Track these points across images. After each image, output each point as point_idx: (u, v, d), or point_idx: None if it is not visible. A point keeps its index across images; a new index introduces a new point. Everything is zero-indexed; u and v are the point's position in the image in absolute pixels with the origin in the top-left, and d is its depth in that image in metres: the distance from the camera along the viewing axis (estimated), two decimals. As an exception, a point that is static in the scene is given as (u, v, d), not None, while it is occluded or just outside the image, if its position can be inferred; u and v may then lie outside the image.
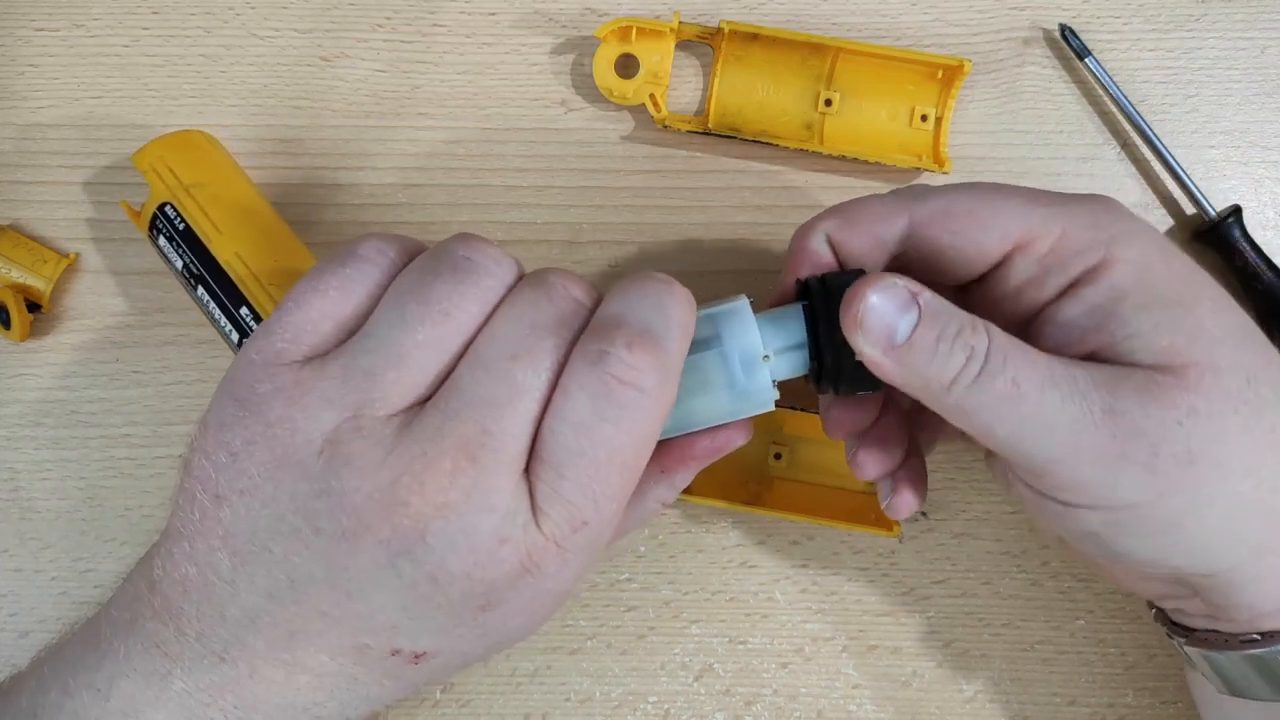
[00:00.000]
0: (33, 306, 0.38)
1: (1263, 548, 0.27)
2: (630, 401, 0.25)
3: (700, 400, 0.28)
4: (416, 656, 0.27)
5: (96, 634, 0.28)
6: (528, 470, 0.26)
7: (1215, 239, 0.38)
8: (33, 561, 0.38)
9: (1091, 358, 0.27)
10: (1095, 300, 0.27)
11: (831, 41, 0.37)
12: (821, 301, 0.28)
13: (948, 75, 0.38)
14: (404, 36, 0.39)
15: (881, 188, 0.39)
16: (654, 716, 0.38)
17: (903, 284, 0.27)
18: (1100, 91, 0.39)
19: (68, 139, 0.39)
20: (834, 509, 0.37)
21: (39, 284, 0.38)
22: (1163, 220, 0.39)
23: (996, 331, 0.27)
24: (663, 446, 0.30)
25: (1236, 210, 0.38)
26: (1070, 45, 0.38)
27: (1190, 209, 0.39)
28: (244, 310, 0.34)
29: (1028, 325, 0.29)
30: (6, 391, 0.38)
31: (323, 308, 0.26)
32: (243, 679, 0.26)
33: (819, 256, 0.30)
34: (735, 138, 0.38)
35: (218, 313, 0.34)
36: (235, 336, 0.34)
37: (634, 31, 0.38)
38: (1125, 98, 0.38)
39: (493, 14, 0.40)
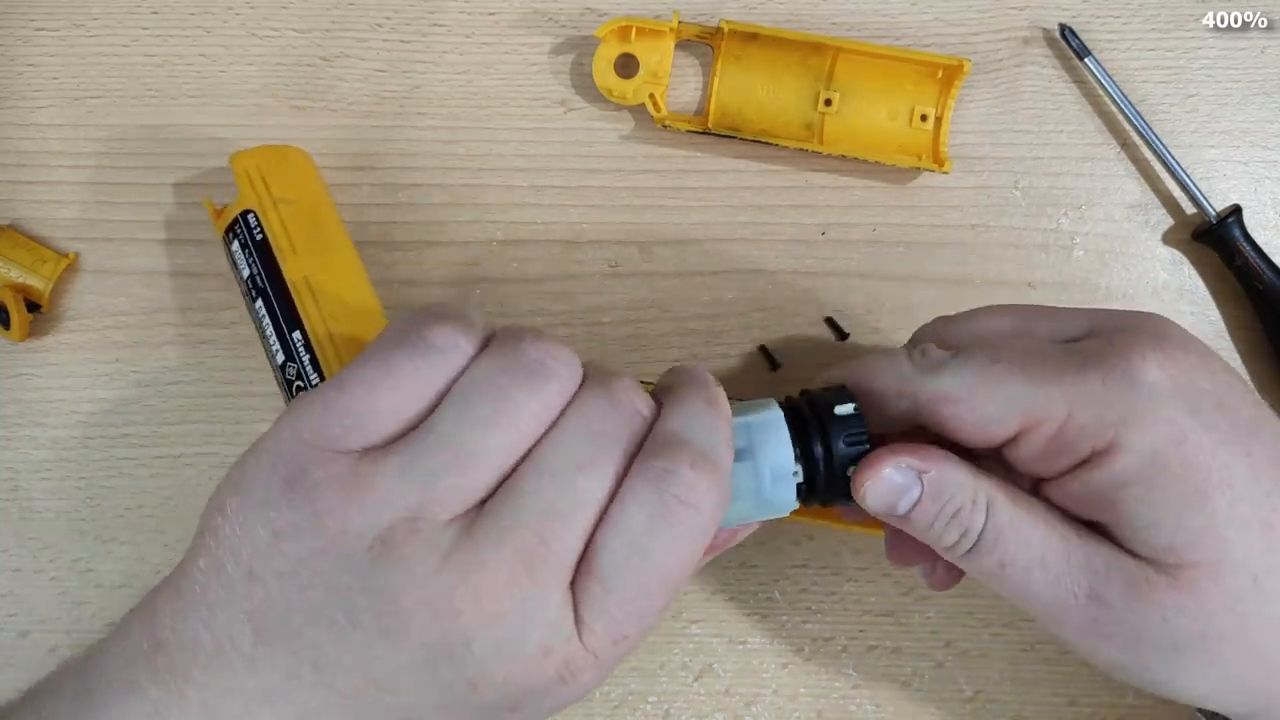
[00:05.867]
0: (32, 306, 0.38)
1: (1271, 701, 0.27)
2: (687, 522, 0.25)
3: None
4: None
5: (90, 685, 0.26)
6: (573, 581, 0.25)
7: (1215, 239, 0.38)
8: (32, 561, 0.38)
9: (1097, 525, 0.27)
10: (1098, 485, 0.26)
11: (831, 41, 0.37)
12: (814, 422, 0.28)
13: (947, 75, 0.38)
14: (404, 36, 0.39)
15: (881, 187, 0.39)
16: (654, 716, 0.38)
17: (908, 463, 0.28)
18: (1100, 91, 0.39)
19: (67, 139, 0.39)
20: (834, 509, 0.37)
21: (38, 284, 0.38)
22: (1163, 220, 0.39)
23: (998, 507, 0.27)
24: None
25: (1236, 210, 0.38)
26: (1070, 45, 0.38)
27: (1190, 209, 0.39)
28: (296, 335, 0.33)
29: (1042, 485, 0.29)
30: (6, 391, 0.38)
31: (389, 401, 0.26)
32: None
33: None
34: (735, 138, 0.38)
35: (270, 330, 0.34)
36: (280, 358, 0.34)
37: (634, 31, 0.38)
38: (1125, 98, 0.38)
39: (493, 14, 0.40)
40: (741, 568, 0.38)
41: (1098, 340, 0.27)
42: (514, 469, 0.25)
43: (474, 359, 0.26)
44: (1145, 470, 0.26)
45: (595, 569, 0.25)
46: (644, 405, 0.27)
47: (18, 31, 0.39)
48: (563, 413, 0.26)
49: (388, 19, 0.40)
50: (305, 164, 0.37)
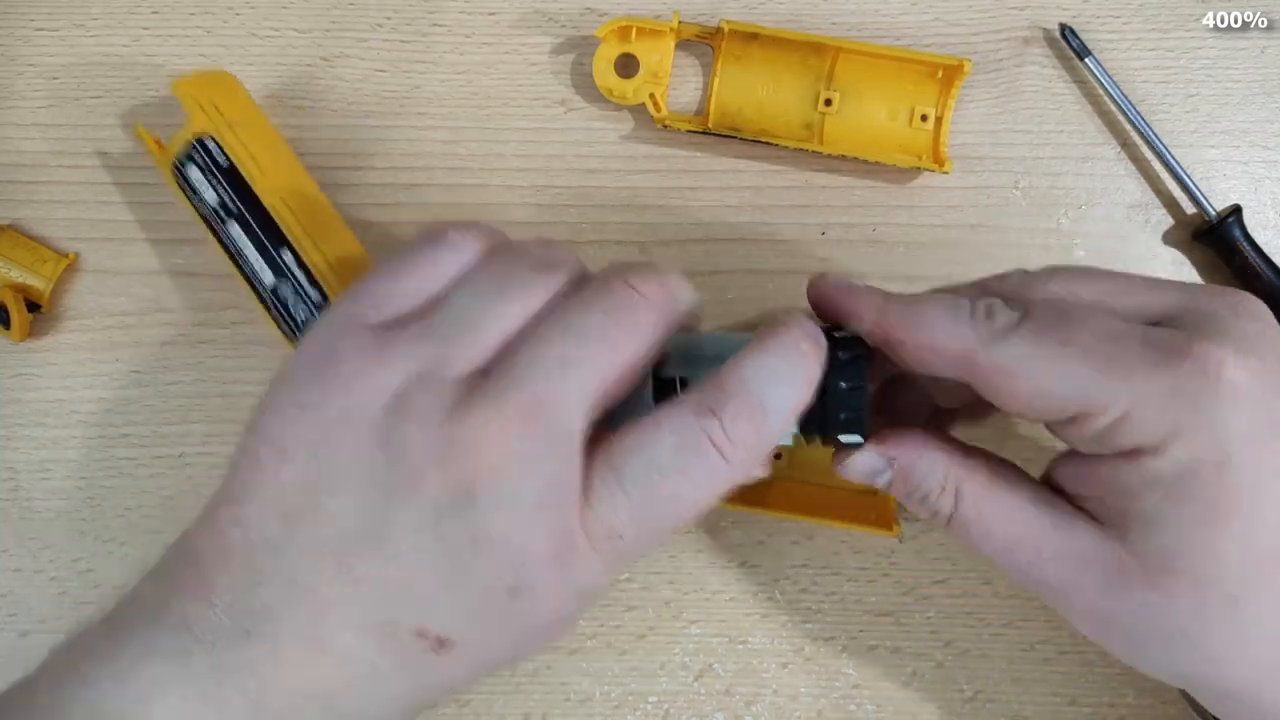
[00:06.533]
0: (32, 306, 0.38)
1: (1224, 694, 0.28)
2: (712, 465, 0.26)
3: None
4: (441, 642, 0.27)
5: (118, 619, 0.28)
6: (591, 464, 0.26)
7: (1215, 239, 0.38)
8: (32, 561, 0.38)
9: (1095, 499, 0.27)
10: (1123, 479, 0.26)
11: (831, 41, 0.37)
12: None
13: (948, 75, 0.38)
14: (404, 36, 0.39)
15: (882, 187, 0.39)
16: (654, 716, 0.38)
17: (876, 453, 0.29)
18: (1100, 91, 0.39)
19: (67, 138, 0.39)
20: (834, 509, 0.37)
21: (38, 284, 0.38)
22: (1163, 220, 0.39)
23: (967, 496, 0.28)
24: None
25: (1237, 210, 0.38)
26: (1070, 45, 0.38)
27: (1190, 209, 0.39)
28: (285, 254, 0.34)
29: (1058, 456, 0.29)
30: (6, 391, 0.38)
31: (410, 283, 0.28)
32: (265, 659, 0.26)
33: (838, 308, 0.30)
34: (735, 138, 0.38)
35: (251, 253, 0.34)
36: (269, 279, 0.34)
37: (634, 31, 0.38)
38: (1125, 98, 0.38)
39: (493, 14, 0.40)
40: (741, 567, 0.38)
41: (1180, 333, 0.26)
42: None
43: (488, 256, 0.29)
44: (1176, 480, 0.25)
45: (615, 462, 0.26)
46: (646, 285, 0.28)
47: (18, 31, 0.39)
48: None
49: (388, 19, 0.40)
50: (241, 90, 0.37)
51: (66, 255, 0.38)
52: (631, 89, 0.38)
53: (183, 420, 0.38)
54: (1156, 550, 0.26)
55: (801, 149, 0.38)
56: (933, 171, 0.38)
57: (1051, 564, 0.27)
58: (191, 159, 0.35)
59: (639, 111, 0.39)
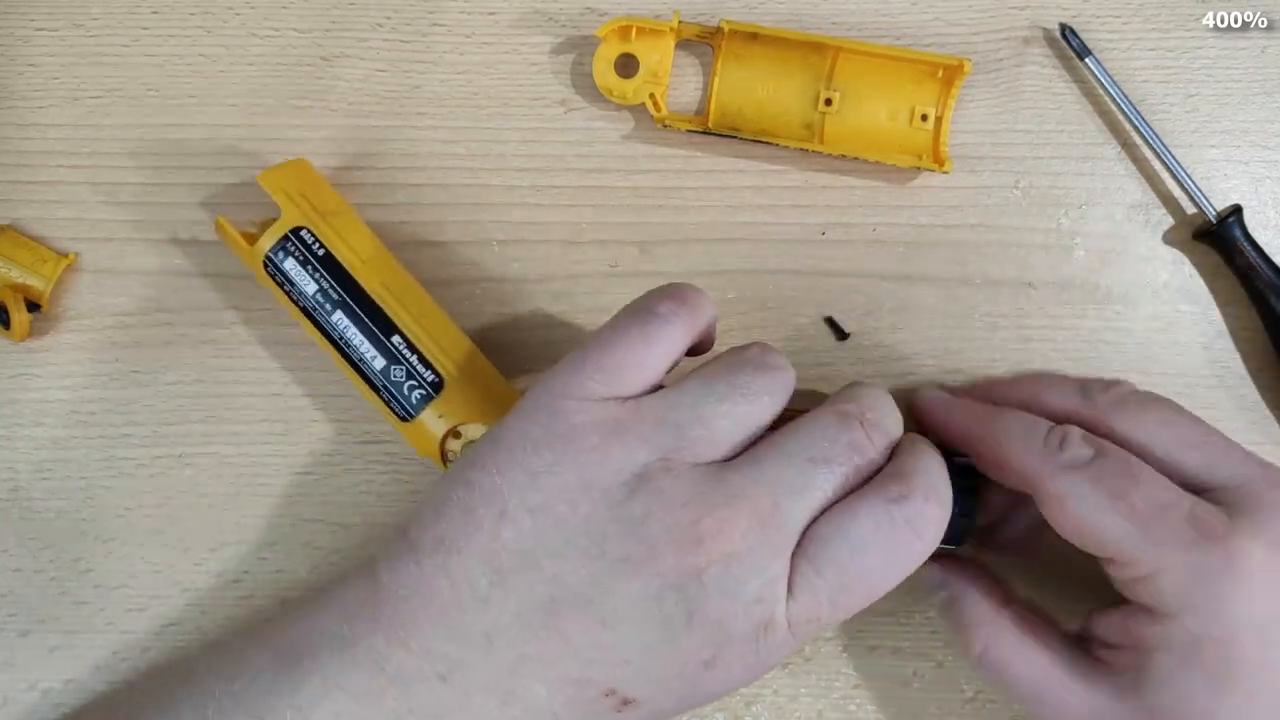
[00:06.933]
0: (32, 306, 0.38)
1: None
2: (906, 544, 0.28)
3: None
4: (626, 702, 0.28)
5: (290, 649, 0.29)
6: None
7: (1216, 239, 0.38)
8: (32, 561, 0.38)
9: (1121, 650, 0.30)
10: (1139, 632, 0.29)
11: (831, 41, 0.37)
12: None
13: (948, 75, 0.38)
14: (404, 36, 0.39)
15: (881, 187, 0.39)
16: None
17: (938, 570, 0.34)
18: (1100, 91, 0.39)
19: (67, 139, 0.39)
20: None
21: (38, 284, 0.38)
22: (1163, 220, 0.39)
23: (1002, 642, 0.32)
24: None
25: (1237, 210, 0.38)
26: (1070, 45, 0.38)
27: (1190, 209, 0.39)
28: (396, 339, 0.34)
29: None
30: (6, 391, 0.38)
31: (627, 356, 0.29)
32: (455, 705, 0.27)
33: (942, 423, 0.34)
34: (735, 137, 0.38)
35: (358, 340, 0.34)
36: (380, 363, 0.34)
37: (634, 31, 0.38)
38: (1125, 97, 0.38)
39: (493, 14, 0.40)
40: (741, 568, 0.38)
41: (1224, 515, 0.29)
42: (750, 444, 0.29)
43: (715, 360, 0.31)
44: (1182, 648, 0.28)
45: (811, 554, 0.28)
46: (878, 431, 0.30)
47: (18, 31, 0.39)
48: (792, 415, 0.30)
49: (388, 19, 0.40)
50: (317, 175, 0.38)
51: (66, 255, 0.38)
52: (631, 89, 0.38)
53: (183, 420, 0.38)
54: (1164, 709, 0.28)
55: (801, 149, 0.38)
56: (933, 171, 0.38)
57: (1071, 713, 0.30)
58: (287, 252, 0.34)
59: (639, 111, 0.39)
